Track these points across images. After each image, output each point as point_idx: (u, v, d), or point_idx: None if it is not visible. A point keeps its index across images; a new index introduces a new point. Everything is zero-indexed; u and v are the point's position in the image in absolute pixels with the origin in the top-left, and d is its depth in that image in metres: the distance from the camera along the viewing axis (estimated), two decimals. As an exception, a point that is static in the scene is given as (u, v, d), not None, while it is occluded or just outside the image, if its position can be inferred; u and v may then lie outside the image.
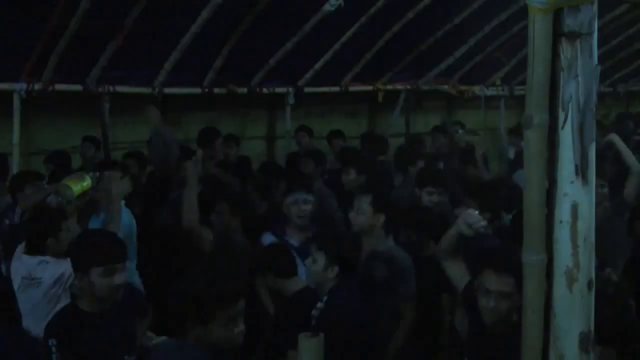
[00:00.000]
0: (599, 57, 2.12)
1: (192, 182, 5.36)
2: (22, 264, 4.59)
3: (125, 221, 5.14)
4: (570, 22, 2.05)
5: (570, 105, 2.06)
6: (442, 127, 10.07)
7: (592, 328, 2.10)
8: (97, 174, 5.29)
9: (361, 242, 4.64)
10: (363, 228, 4.90)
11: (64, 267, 4.27)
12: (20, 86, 6.73)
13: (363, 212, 4.89)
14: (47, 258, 4.52)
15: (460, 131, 9.90)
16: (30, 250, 4.59)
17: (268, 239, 5.39)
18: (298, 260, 4.61)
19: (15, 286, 4.46)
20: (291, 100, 8.98)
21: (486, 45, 10.03)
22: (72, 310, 3.74)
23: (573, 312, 2.07)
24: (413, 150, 8.46)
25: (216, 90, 8.21)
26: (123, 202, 5.27)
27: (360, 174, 6.80)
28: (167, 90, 7.77)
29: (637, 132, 11.12)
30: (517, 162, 7.86)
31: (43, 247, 4.55)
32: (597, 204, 2.17)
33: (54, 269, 4.41)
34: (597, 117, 2.14)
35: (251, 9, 7.37)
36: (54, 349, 3.53)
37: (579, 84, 2.06)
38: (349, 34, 8.40)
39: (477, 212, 3.80)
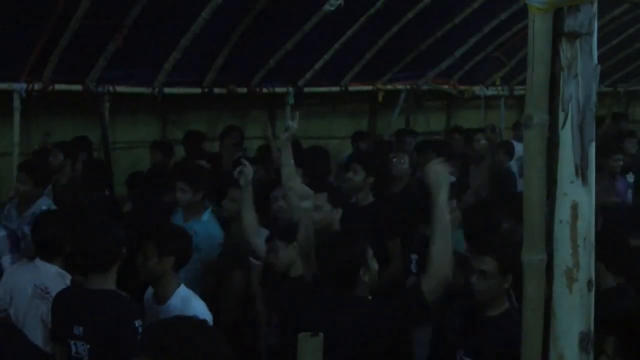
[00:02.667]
0: (599, 57, 2.12)
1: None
2: (35, 270, 4.41)
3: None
4: (570, 22, 2.05)
5: (570, 105, 2.06)
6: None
7: (592, 328, 2.10)
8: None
9: None
10: (323, 224, 4.87)
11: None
12: (20, 86, 6.72)
13: (321, 209, 4.90)
14: (63, 272, 4.37)
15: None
16: (44, 256, 4.41)
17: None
18: None
19: (23, 294, 4.32)
20: (291, 100, 8.97)
21: (486, 45, 10.04)
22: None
23: (573, 312, 2.07)
24: None
25: (216, 90, 8.20)
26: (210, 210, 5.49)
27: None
28: (167, 90, 7.76)
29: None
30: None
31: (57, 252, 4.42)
32: None
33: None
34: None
35: (251, 9, 7.37)
36: (140, 329, 3.55)
37: (579, 83, 2.06)
38: (349, 34, 8.39)
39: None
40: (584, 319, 2.08)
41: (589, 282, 2.08)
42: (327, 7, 7.50)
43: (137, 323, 3.58)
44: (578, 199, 2.06)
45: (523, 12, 2.18)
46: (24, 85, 6.73)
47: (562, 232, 2.07)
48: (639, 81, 13.46)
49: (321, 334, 2.77)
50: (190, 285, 4.25)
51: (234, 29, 7.57)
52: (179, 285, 4.01)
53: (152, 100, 7.76)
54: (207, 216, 5.51)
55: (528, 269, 2.10)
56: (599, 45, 2.13)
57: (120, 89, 7.45)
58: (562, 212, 2.07)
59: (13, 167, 6.69)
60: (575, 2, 2.03)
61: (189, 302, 3.90)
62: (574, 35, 2.05)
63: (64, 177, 6.73)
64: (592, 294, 2.09)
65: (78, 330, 3.66)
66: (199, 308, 3.86)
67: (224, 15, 7.16)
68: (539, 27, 2.04)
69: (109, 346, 3.58)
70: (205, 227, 5.41)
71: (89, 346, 3.63)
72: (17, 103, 6.76)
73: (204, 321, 2.69)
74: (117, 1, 6.63)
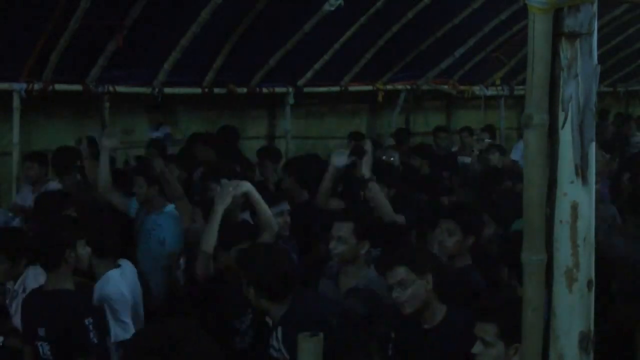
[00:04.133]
0: (599, 57, 2.12)
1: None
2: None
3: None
4: (570, 22, 2.05)
5: (570, 105, 2.06)
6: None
7: (592, 328, 2.10)
8: None
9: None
10: (345, 258, 4.37)
11: None
12: (20, 86, 6.74)
13: (344, 241, 4.32)
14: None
15: (487, 140, 9.34)
16: None
17: None
18: None
19: None
20: (291, 100, 8.98)
21: (486, 45, 10.05)
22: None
23: (573, 312, 2.06)
24: None
25: (216, 90, 8.21)
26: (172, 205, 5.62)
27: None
28: (167, 90, 7.77)
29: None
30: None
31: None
32: None
33: None
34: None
35: (251, 9, 7.37)
36: (91, 327, 3.72)
37: (579, 84, 2.06)
38: (349, 34, 8.40)
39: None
40: (584, 319, 2.08)
41: (589, 282, 2.08)
42: (327, 7, 7.51)
43: (87, 322, 3.71)
44: (578, 199, 2.06)
45: (523, 12, 2.19)
46: (24, 85, 6.74)
47: (562, 232, 2.07)
48: (639, 81, 13.48)
49: (321, 334, 2.77)
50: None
51: (234, 29, 7.58)
52: (111, 269, 4.22)
53: (152, 100, 7.76)
54: (169, 208, 5.59)
55: (528, 269, 2.10)
56: (599, 45, 2.13)
57: (120, 89, 7.46)
58: (562, 212, 2.07)
59: (13, 167, 6.70)
60: (575, 2, 2.03)
61: (107, 276, 4.19)
62: (574, 35, 2.05)
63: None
64: (592, 293, 2.09)
65: (41, 331, 3.76)
66: (111, 278, 4.17)
67: (224, 15, 7.17)
68: (539, 27, 2.04)
69: (65, 344, 3.70)
70: (168, 216, 5.52)
71: (49, 346, 3.73)
72: (17, 103, 6.77)
73: (194, 324, 2.74)
74: (117, 1, 6.64)
